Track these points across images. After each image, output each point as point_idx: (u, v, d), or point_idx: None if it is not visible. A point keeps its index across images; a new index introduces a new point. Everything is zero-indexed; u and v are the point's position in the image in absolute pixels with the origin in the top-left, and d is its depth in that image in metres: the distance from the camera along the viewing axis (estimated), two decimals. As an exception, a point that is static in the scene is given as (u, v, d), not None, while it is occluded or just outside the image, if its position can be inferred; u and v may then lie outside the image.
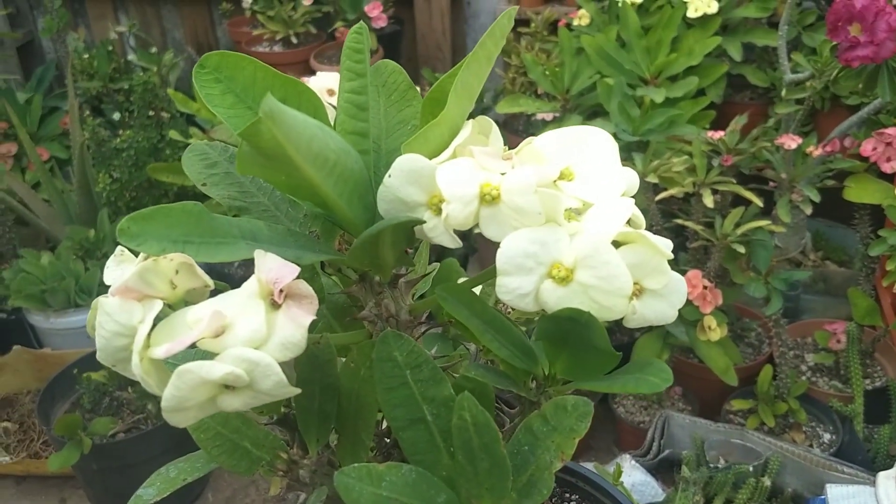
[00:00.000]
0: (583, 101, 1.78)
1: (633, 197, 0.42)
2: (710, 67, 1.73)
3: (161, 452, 1.55)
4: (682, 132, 1.52)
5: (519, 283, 0.37)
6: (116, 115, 2.24)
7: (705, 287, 1.46)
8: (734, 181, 1.43)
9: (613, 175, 0.41)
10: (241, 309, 0.36)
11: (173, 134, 1.73)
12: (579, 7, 1.94)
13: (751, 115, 1.62)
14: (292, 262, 0.39)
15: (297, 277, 0.36)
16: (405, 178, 0.39)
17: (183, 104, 1.77)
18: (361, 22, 0.44)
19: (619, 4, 1.78)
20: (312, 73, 2.26)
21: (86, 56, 2.33)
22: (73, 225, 1.95)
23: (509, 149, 0.43)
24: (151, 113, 1.86)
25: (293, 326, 0.36)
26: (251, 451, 0.45)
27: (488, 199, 0.38)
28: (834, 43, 1.23)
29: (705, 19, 1.74)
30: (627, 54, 1.73)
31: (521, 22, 2.20)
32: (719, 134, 1.47)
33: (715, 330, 1.47)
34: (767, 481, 1.32)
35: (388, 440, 0.47)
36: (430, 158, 0.40)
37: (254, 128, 0.33)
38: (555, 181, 0.40)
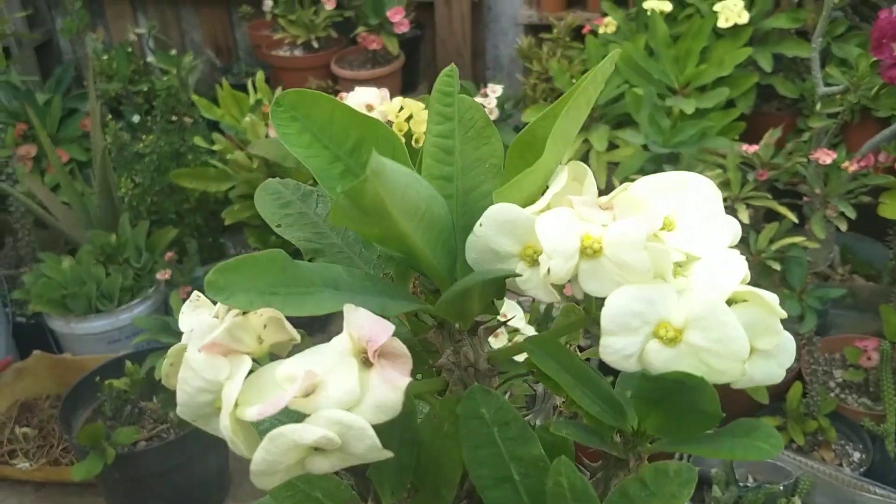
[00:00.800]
0: (609, 111, 1.77)
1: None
2: (740, 78, 1.71)
3: (183, 462, 1.54)
4: (715, 145, 1.50)
5: (624, 343, 0.35)
6: (136, 118, 2.22)
7: (736, 302, 1.44)
8: (769, 196, 1.41)
9: (718, 224, 0.39)
10: (332, 367, 0.34)
11: (198, 140, 1.71)
12: (603, 14, 1.92)
13: (781, 127, 1.60)
14: (377, 313, 0.38)
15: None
16: (498, 229, 0.37)
17: (207, 110, 1.75)
18: (453, 65, 0.42)
19: (648, 13, 1.76)
20: (333, 77, 2.25)
21: (105, 57, 2.32)
22: (93, 228, 1.94)
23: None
24: (174, 118, 1.84)
25: (388, 388, 0.34)
26: (324, 503, 0.44)
27: (589, 252, 0.36)
28: (874, 59, 1.21)
29: (736, 29, 1.72)
30: (656, 64, 1.72)
31: (543, 27, 2.18)
32: (754, 148, 1.45)
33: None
34: (798, 501, 1.30)
35: (469, 500, 0.45)
36: (523, 206, 0.38)
37: (360, 188, 0.31)
38: (655, 233, 0.38)
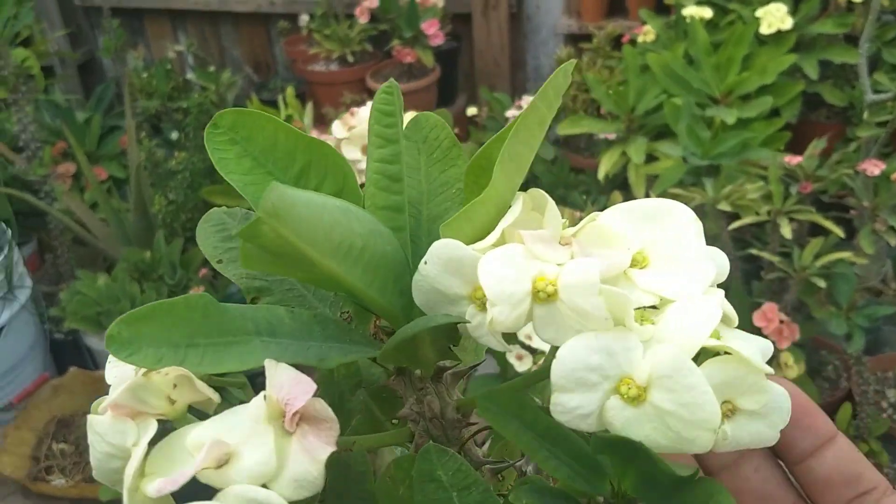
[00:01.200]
0: (648, 122, 1.70)
1: (719, 285, 0.35)
2: (785, 86, 1.63)
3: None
4: (757, 156, 1.43)
5: (580, 401, 0.31)
6: (175, 134, 2.23)
7: (782, 321, 1.37)
8: (813, 209, 1.34)
9: (698, 260, 0.34)
10: (248, 434, 0.30)
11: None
12: (644, 22, 1.86)
13: (828, 137, 1.52)
14: (313, 363, 0.34)
15: (316, 394, 0.30)
16: (443, 268, 0.33)
17: (237, 126, 1.74)
18: (392, 80, 0.38)
19: (687, 20, 1.70)
20: (369, 91, 2.23)
21: (144, 75, 2.33)
22: (130, 245, 1.94)
23: (569, 222, 0.36)
24: (206, 135, 1.83)
25: (308, 460, 0.30)
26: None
27: (542, 296, 0.31)
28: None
29: (779, 35, 1.65)
30: (696, 72, 1.65)
31: (583, 37, 2.13)
32: (797, 159, 1.38)
33: (792, 367, 1.37)
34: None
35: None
36: (475, 241, 0.34)
37: (253, 229, 0.27)
38: (625, 271, 0.33)
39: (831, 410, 1.46)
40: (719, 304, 0.32)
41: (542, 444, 0.35)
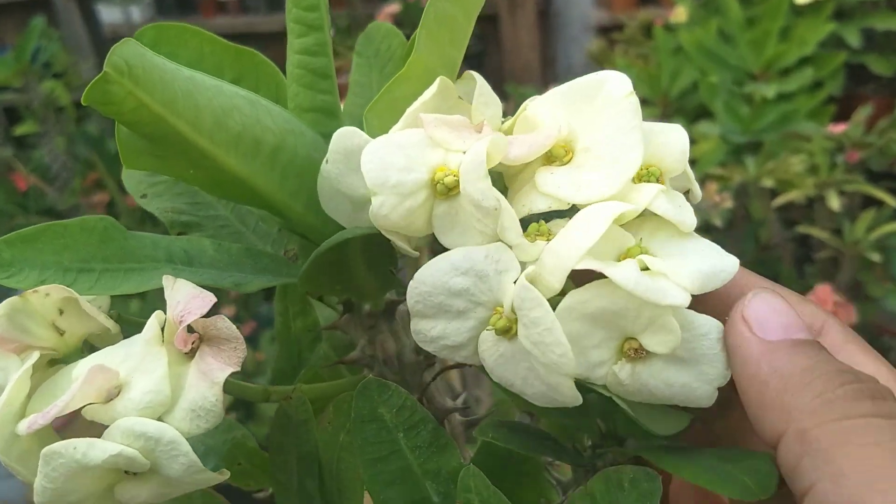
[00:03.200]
0: (684, 104, 1.63)
1: (684, 173, 0.29)
2: (826, 57, 1.55)
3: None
4: (800, 128, 1.35)
5: (443, 330, 0.25)
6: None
7: (836, 303, 1.29)
8: (862, 179, 1.26)
9: (622, 148, 0.26)
10: (140, 360, 0.26)
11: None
12: (673, 4, 1.79)
13: (877, 108, 1.43)
14: (228, 286, 0.29)
15: (215, 312, 0.26)
16: (344, 164, 0.28)
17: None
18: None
19: (719, -3, 1.63)
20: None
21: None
22: (164, 268, 1.92)
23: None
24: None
25: (204, 385, 0.25)
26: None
27: (441, 189, 0.26)
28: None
29: (817, 4, 1.57)
30: (731, 49, 1.58)
31: (615, 28, 2.07)
32: (841, 127, 1.30)
33: (850, 350, 1.28)
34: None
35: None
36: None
37: (99, 88, 0.22)
38: (547, 163, 0.27)
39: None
40: (612, 213, 0.25)
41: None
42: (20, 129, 2.15)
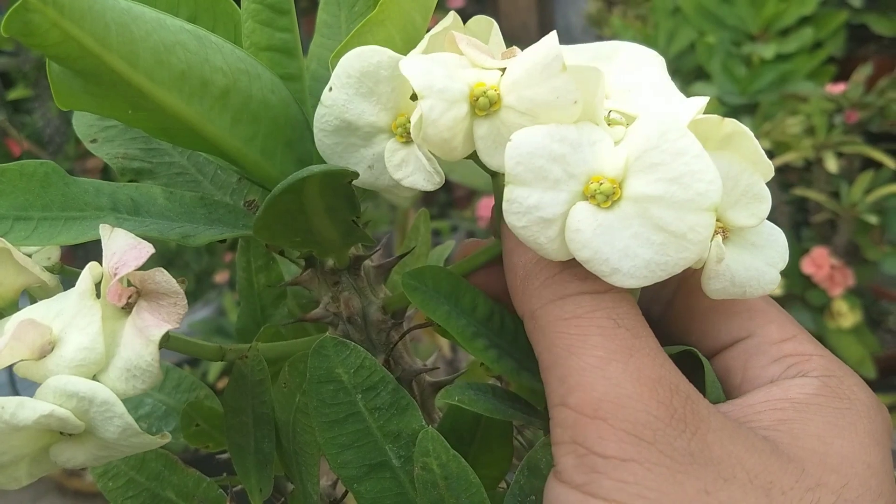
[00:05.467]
0: (682, 65, 1.60)
1: None
2: (827, 16, 1.52)
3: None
4: (798, 89, 1.33)
5: (539, 199, 0.23)
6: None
7: (833, 266, 1.27)
8: (860, 141, 1.23)
9: (665, 91, 0.27)
10: (73, 316, 0.24)
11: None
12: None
13: (877, 68, 1.40)
14: (175, 239, 0.27)
15: (155, 264, 0.24)
16: (355, 88, 0.26)
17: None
18: None
19: (719, -45, 1.59)
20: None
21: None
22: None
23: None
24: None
25: (140, 342, 0.23)
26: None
27: (483, 103, 0.24)
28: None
29: (819, -37, 1.54)
30: (730, 8, 1.55)
31: (613, -11, 2.03)
32: (840, 87, 1.27)
33: (846, 315, 1.27)
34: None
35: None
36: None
37: (18, 16, 0.20)
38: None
39: (894, 363, 1.35)
40: (703, 101, 0.26)
41: (481, 330, 0.28)
42: (12, 94, 2.12)
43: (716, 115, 0.25)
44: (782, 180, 1.39)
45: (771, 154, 1.31)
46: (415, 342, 1.28)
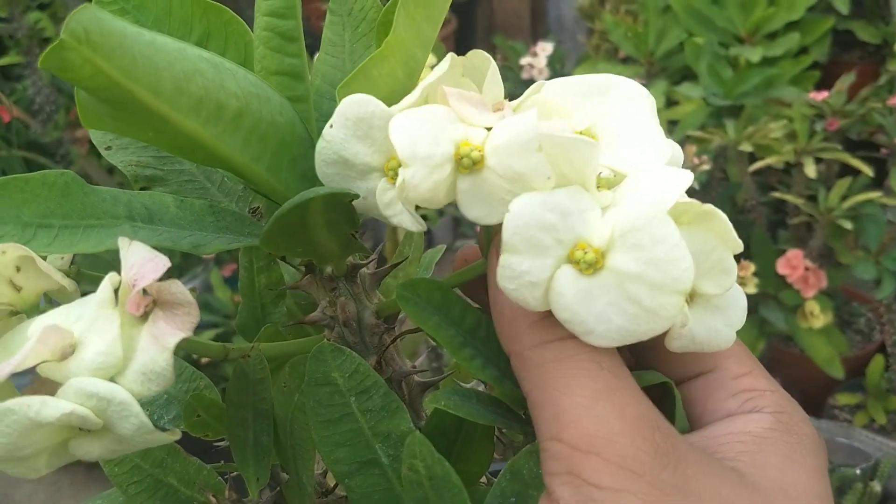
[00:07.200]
0: (670, 64, 1.63)
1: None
2: (813, 22, 1.55)
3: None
4: (782, 94, 1.36)
5: (530, 265, 0.26)
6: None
7: (807, 268, 1.31)
8: (840, 148, 1.26)
9: (652, 137, 0.29)
10: (93, 321, 0.26)
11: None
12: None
13: (860, 76, 1.43)
14: (187, 249, 0.29)
15: (168, 275, 0.26)
16: (351, 130, 0.28)
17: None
18: None
19: (710, -44, 1.62)
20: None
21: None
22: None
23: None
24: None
25: (155, 349, 0.25)
26: (179, 490, 0.36)
27: (467, 163, 0.26)
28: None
29: (808, -32, 1.56)
30: (719, 10, 1.57)
31: (605, -17, 2.04)
32: (823, 94, 1.30)
33: (818, 316, 1.31)
34: (877, 486, 1.17)
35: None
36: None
37: (56, 55, 0.22)
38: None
39: (864, 362, 1.39)
40: (687, 177, 0.27)
41: (469, 340, 0.31)
42: (4, 60, 2.11)
43: (696, 201, 0.27)
44: (762, 182, 1.42)
45: (753, 156, 1.34)
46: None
